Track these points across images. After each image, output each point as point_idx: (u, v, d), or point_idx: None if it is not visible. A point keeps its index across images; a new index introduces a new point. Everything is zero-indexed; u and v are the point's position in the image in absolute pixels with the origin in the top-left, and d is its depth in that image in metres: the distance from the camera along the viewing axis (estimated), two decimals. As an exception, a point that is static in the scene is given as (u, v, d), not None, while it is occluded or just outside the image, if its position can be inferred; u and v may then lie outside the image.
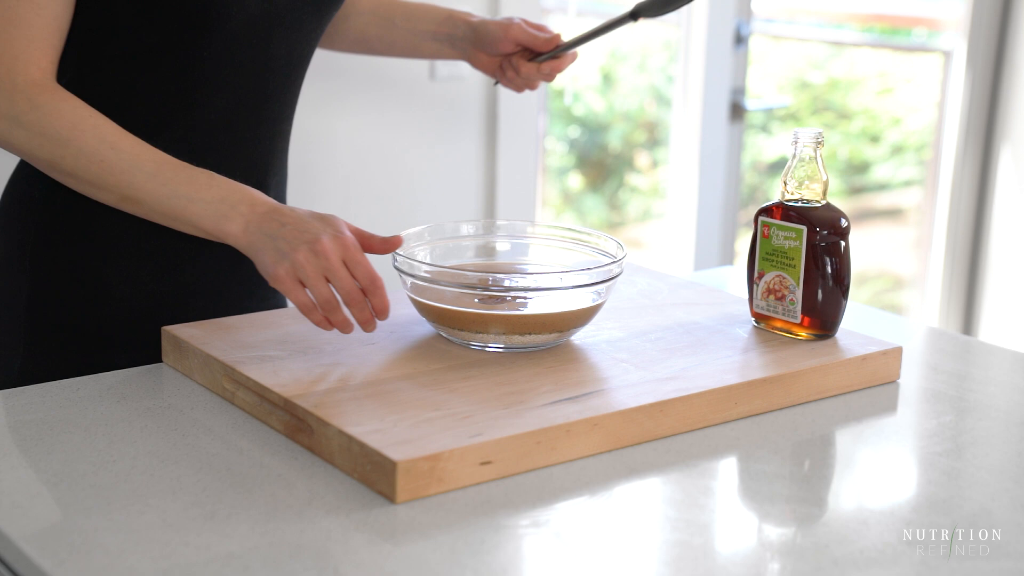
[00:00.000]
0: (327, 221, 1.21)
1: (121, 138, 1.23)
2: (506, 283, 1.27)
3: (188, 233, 1.26)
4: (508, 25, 1.54)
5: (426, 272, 1.25)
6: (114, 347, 1.34)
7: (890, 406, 1.27)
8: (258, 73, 1.35)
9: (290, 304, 1.52)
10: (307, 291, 1.19)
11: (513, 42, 1.54)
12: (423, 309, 1.28)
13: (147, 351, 1.34)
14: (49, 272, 1.35)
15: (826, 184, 1.32)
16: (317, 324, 1.22)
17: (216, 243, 1.30)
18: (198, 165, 1.26)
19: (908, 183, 3.73)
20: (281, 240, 1.19)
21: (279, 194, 1.46)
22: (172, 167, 1.23)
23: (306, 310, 1.21)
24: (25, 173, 1.37)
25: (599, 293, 1.29)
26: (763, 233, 1.34)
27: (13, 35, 1.22)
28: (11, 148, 1.25)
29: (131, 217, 1.30)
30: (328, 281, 1.18)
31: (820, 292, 1.31)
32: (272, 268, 1.19)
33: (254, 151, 1.39)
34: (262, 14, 1.32)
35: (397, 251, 1.27)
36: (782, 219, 1.32)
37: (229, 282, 1.41)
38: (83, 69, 1.28)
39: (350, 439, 1.04)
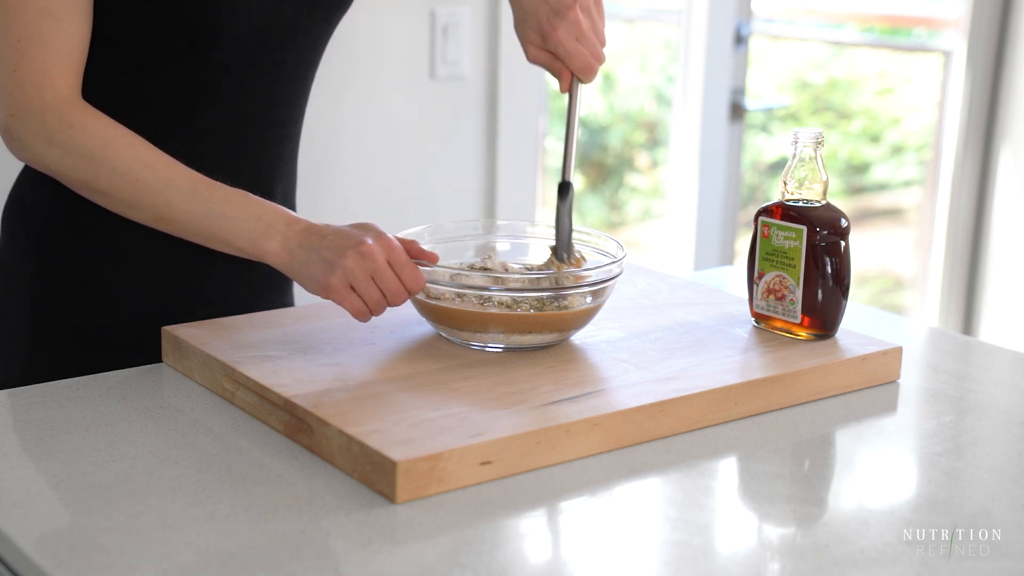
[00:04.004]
0: (366, 227, 1.22)
1: (155, 157, 1.23)
2: (506, 283, 1.26)
3: (223, 252, 1.26)
4: (524, 32, 1.33)
5: (426, 272, 1.25)
6: (118, 351, 1.34)
7: (890, 406, 1.27)
8: (265, 80, 1.35)
9: (298, 304, 1.52)
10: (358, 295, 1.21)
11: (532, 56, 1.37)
12: (423, 309, 1.28)
13: (151, 355, 1.33)
14: (53, 275, 1.35)
15: (826, 184, 1.32)
16: (361, 320, 1.23)
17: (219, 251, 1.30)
18: (204, 170, 1.26)
19: (908, 183, 3.73)
20: (325, 251, 1.19)
21: (287, 199, 1.46)
22: (207, 186, 1.23)
23: (360, 314, 1.21)
24: (30, 176, 1.37)
25: (598, 293, 1.29)
26: (763, 233, 1.34)
27: (37, 53, 1.21)
28: (44, 168, 1.25)
29: (136, 223, 1.30)
30: (373, 281, 1.20)
31: (820, 292, 1.31)
32: (324, 279, 1.19)
33: (261, 156, 1.39)
34: (268, 23, 1.31)
35: None
36: (782, 219, 1.32)
37: (235, 289, 1.41)
38: (90, 77, 1.28)
39: (350, 439, 1.04)
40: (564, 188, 1.32)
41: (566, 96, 1.33)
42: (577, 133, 1.33)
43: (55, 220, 1.34)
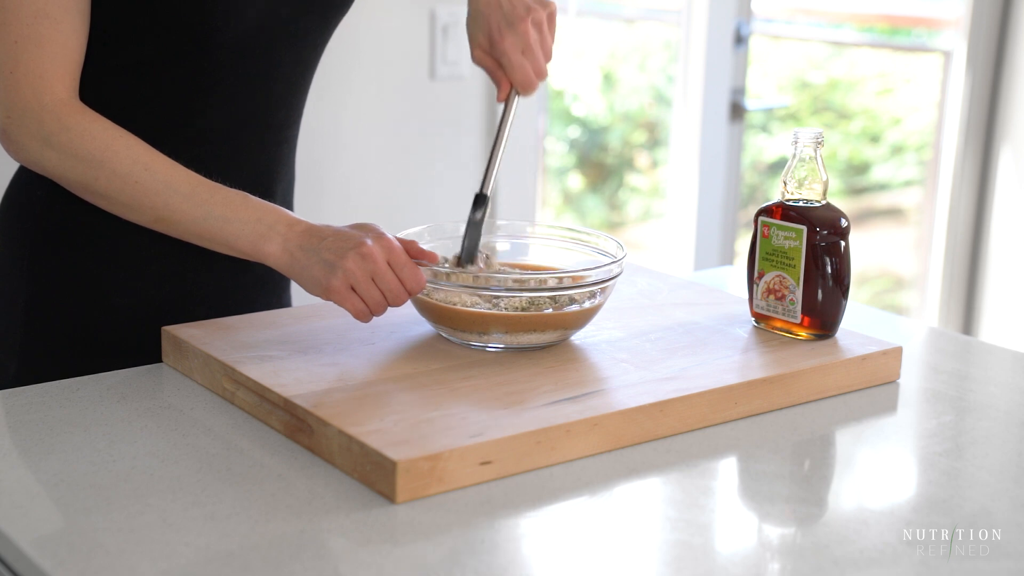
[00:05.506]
0: (366, 228, 1.22)
1: (154, 159, 1.23)
2: (507, 283, 1.26)
3: (223, 253, 1.26)
4: (473, 33, 1.35)
5: (427, 272, 1.25)
6: (113, 353, 1.34)
7: (890, 406, 1.27)
8: (262, 82, 1.35)
9: (294, 304, 1.52)
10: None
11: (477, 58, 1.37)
12: (423, 309, 1.28)
13: (147, 357, 1.33)
14: (48, 277, 1.35)
15: (826, 184, 1.32)
16: (362, 321, 1.23)
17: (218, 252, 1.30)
18: (203, 173, 1.26)
19: (908, 183, 3.73)
20: (326, 252, 1.19)
21: (286, 200, 1.46)
22: (207, 188, 1.23)
23: (360, 315, 1.22)
24: (25, 178, 1.36)
25: (599, 293, 1.29)
26: (763, 233, 1.34)
27: (34, 54, 1.21)
28: (42, 170, 1.24)
29: (132, 224, 1.30)
30: (374, 282, 1.20)
31: (820, 292, 1.31)
32: (325, 281, 1.19)
33: (260, 158, 1.39)
34: (264, 24, 1.31)
35: None
36: (782, 219, 1.32)
37: (231, 289, 1.41)
38: (87, 79, 1.28)
39: (350, 439, 1.04)
40: (480, 200, 1.31)
41: (501, 106, 1.33)
42: (505, 146, 1.32)
43: (50, 222, 1.34)
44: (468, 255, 1.31)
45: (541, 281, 1.25)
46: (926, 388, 1.32)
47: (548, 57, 1.33)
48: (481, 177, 1.32)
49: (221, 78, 1.32)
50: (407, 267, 1.20)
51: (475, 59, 1.34)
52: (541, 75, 1.32)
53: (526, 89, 1.32)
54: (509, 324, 1.24)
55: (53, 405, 1.19)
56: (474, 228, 1.31)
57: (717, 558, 0.96)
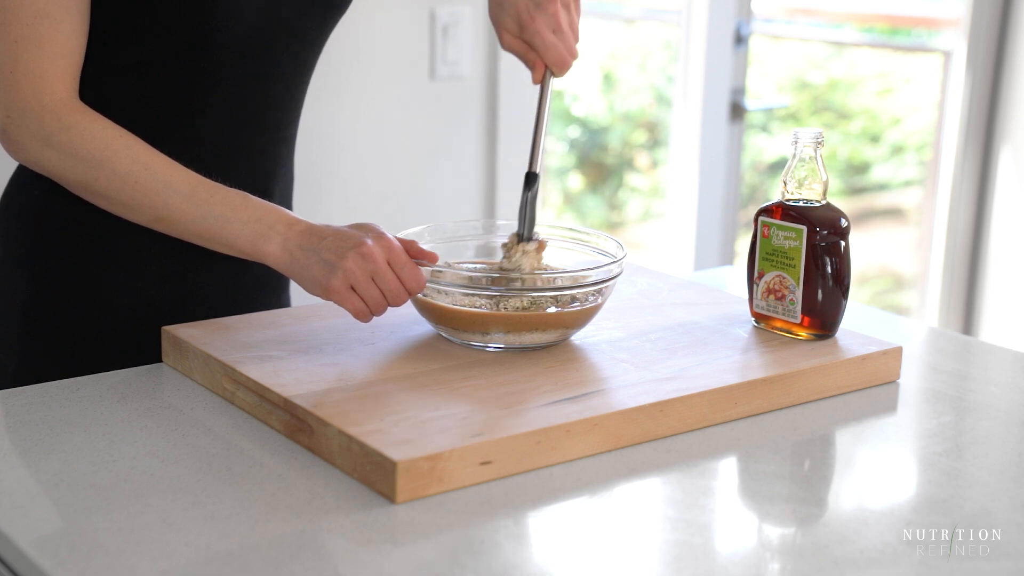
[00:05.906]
0: (366, 227, 1.22)
1: (154, 159, 1.23)
2: (508, 283, 1.26)
3: (223, 253, 1.26)
4: (500, 18, 1.35)
5: (426, 272, 1.25)
6: (113, 353, 1.34)
7: (890, 406, 1.27)
8: (261, 82, 1.35)
9: (294, 304, 1.52)
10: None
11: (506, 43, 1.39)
12: (423, 309, 1.28)
13: (147, 357, 1.33)
14: (48, 277, 1.34)
15: (826, 184, 1.32)
16: (362, 321, 1.23)
17: (217, 251, 1.30)
18: (203, 173, 1.26)
19: (908, 183, 3.73)
20: (326, 251, 1.19)
21: (285, 200, 1.46)
22: (207, 188, 1.23)
23: (361, 315, 1.22)
24: (24, 178, 1.36)
25: (599, 293, 1.29)
26: (763, 233, 1.34)
27: (34, 54, 1.21)
28: (42, 169, 1.25)
29: (131, 224, 1.30)
30: (374, 282, 1.20)
31: (820, 292, 1.31)
32: (325, 281, 1.19)
33: (259, 158, 1.39)
34: (264, 24, 1.31)
35: None
36: (782, 219, 1.32)
37: (231, 289, 1.41)
38: (87, 79, 1.28)
39: (350, 439, 1.04)
40: (531, 178, 1.33)
41: (538, 87, 1.34)
42: (546, 125, 1.34)
43: (49, 222, 1.34)
44: (530, 231, 1.32)
45: (542, 281, 1.25)
46: (926, 388, 1.32)
47: (576, 37, 1.35)
48: (528, 157, 1.33)
49: (221, 78, 1.32)
50: (407, 267, 1.21)
51: (505, 45, 1.35)
52: (573, 54, 1.34)
53: (561, 68, 1.33)
54: (510, 324, 1.24)
55: (53, 405, 1.19)
56: (530, 205, 1.32)
57: (717, 558, 0.96)
